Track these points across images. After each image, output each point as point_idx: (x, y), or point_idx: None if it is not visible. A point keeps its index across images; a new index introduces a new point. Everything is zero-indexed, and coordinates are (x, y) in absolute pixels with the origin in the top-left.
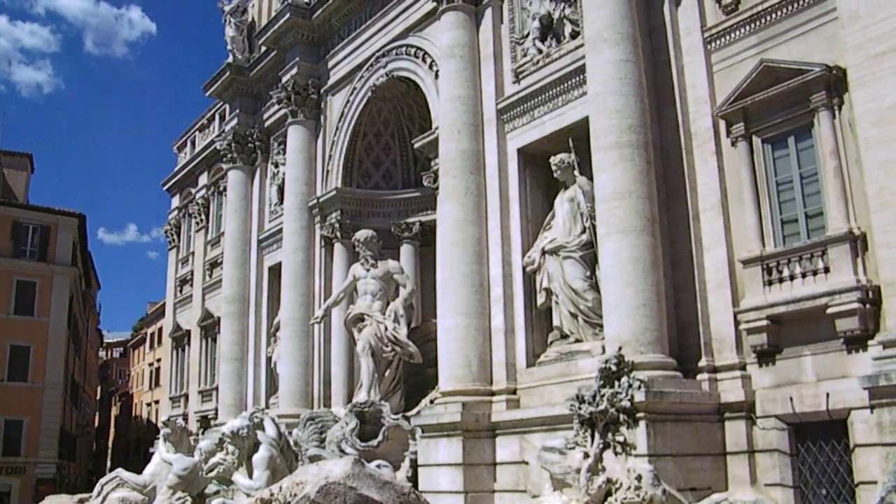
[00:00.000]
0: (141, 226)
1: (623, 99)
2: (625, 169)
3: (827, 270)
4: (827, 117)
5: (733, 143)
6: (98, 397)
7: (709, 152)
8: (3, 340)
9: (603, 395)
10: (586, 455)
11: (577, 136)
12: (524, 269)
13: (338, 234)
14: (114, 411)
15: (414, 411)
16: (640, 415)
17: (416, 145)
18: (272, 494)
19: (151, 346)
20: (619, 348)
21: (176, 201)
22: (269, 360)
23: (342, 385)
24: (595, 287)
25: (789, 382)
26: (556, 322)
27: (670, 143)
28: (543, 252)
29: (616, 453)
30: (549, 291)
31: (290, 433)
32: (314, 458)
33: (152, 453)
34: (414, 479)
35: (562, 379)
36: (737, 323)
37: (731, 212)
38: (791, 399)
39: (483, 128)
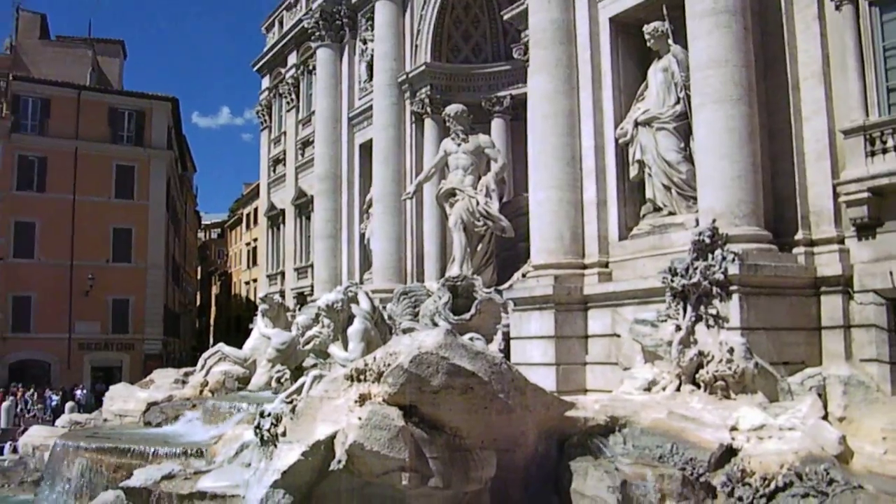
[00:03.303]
0: (234, 108)
1: None
2: (721, 36)
3: None
4: None
5: (837, 7)
6: (198, 277)
7: (811, 17)
8: (106, 224)
9: (696, 268)
10: (678, 328)
11: (671, 4)
12: (617, 140)
13: (428, 109)
14: (214, 290)
15: (506, 285)
16: (733, 288)
17: (505, 17)
18: (367, 365)
19: (248, 226)
20: (714, 220)
21: (266, 82)
22: (362, 236)
23: (435, 260)
24: (689, 159)
25: (889, 257)
26: (648, 195)
27: (769, 9)
28: (636, 123)
29: (708, 326)
30: (641, 163)
31: (384, 308)
32: (408, 332)
33: (251, 329)
34: (506, 352)
35: (654, 252)
36: (836, 195)
37: (833, 80)
38: (891, 273)
39: None
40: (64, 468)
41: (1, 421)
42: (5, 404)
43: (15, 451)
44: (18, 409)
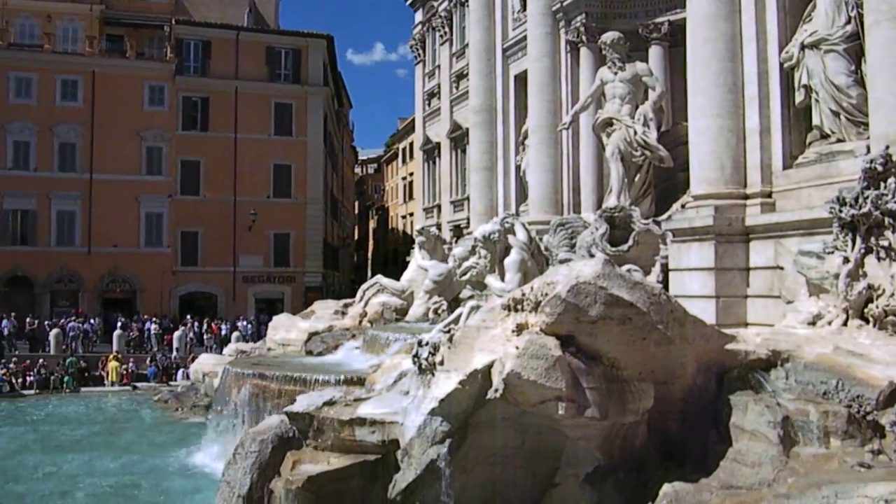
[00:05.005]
0: (387, 44)
1: None
2: None
3: None
4: None
5: None
6: (356, 212)
7: None
8: (266, 160)
9: (867, 197)
10: (846, 260)
11: None
12: (781, 65)
13: (583, 38)
14: (371, 224)
15: (665, 216)
16: None
17: None
18: (524, 294)
19: (404, 161)
20: (887, 147)
21: (419, 16)
22: (517, 168)
23: (591, 191)
24: (860, 82)
25: None
26: (815, 121)
27: None
28: (802, 46)
29: (879, 259)
30: (808, 88)
31: (540, 239)
32: (564, 263)
33: (409, 261)
34: (664, 284)
35: (820, 181)
36: None
37: None
38: None
39: None
40: (232, 394)
41: (174, 349)
42: (177, 333)
43: (187, 377)
44: (189, 338)
